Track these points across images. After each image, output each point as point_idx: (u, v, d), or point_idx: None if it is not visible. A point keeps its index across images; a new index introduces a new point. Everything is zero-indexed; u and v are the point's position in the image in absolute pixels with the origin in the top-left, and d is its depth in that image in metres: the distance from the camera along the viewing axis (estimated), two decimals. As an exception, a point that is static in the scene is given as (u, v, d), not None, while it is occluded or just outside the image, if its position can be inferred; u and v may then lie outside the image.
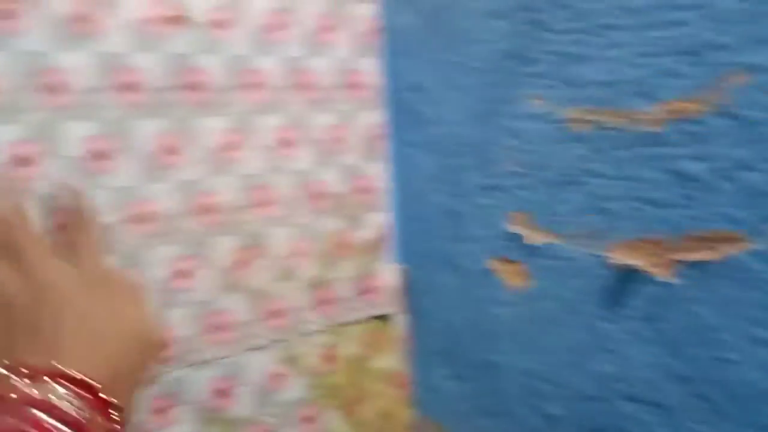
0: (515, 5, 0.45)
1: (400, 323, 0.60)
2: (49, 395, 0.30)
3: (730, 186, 0.35)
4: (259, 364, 0.52)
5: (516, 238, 0.48)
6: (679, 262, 0.38)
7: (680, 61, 0.36)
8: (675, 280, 0.39)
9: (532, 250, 0.47)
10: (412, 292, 0.58)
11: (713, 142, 0.36)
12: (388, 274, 0.58)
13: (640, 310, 0.41)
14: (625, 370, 0.42)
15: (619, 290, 0.42)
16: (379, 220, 0.57)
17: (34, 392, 0.30)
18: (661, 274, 0.39)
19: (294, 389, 0.54)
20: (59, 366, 0.31)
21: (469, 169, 0.50)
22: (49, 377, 0.31)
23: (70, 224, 0.39)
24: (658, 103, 0.38)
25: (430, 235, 0.55)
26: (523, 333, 0.49)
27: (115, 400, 0.32)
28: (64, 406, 0.30)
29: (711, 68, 0.35)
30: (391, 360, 0.59)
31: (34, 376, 0.31)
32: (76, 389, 0.31)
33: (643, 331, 0.41)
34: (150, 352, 0.36)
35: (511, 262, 0.49)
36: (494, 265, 0.50)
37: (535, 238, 0.46)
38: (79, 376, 0.31)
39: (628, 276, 0.41)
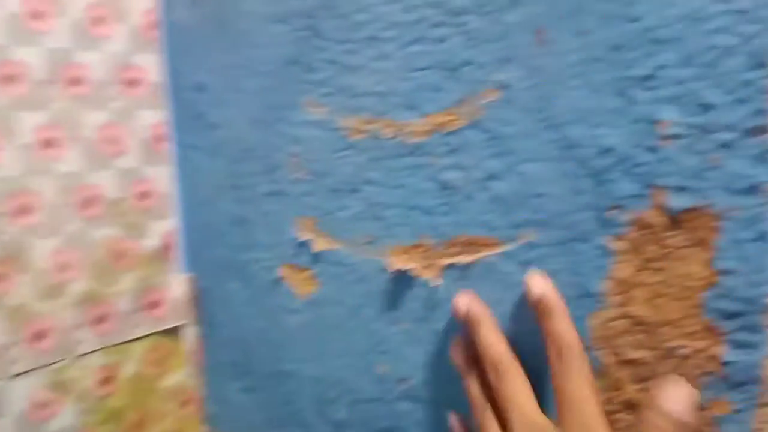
0: (294, 11, 0.44)
1: (190, 336, 0.57)
2: None
3: (484, 195, 0.38)
4: (23, 392, 0.46)
5: (303, 245, 0.48)
6: (446, 266, 0.40)
7: (441, 76, 0.38)
8: (441, 282, 0.41)
9: (319, 257, 0.47)
10: (202, 303, 0.56)
11: (469, 153, 0.38)
12: (175, 285, 0.55)
13: (414, 312, 0.43)
14: (402, 371, 0.44)
15: (395, 294, 0.43)
16: (164, 228, 0.54)
17: None
18: (430, 276, 0.41)
19: (65, 417, 0.49)
20: None
21: (256, 174, 0.49)
22: None
23: None
24: (424, 115, 0.39)
25: (219, 243, 0.53)
26: (310, 340, 0.49)
27: None
28: None
29: (467, 84, 0.37)
30: (180, 376, 0.56)
31: None
32: None
33: (418, 331, 0.43)
34: None
35: (300, 269, 0.48)
36: (284, 272, 0.49)
37: (321, 244, 0.47)
38: None
39: (403, 280, 0.43)
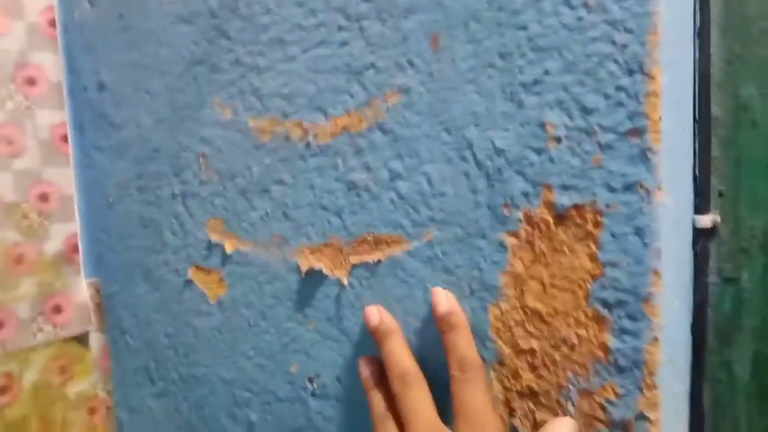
0: (200, 11, 0.44)
1: (96, 343, 0.55)
2: None
3: (389, 194, 0.39)
4: None
5: (213, 246, 0.47)
6: (355, 264, 0.41)
7: (345, 79, 0.39)
8: (350, 281, 0.41)
9: (228, 258, 0.47)
10: (108, 308, 0.54)
11: (374, 154, 0.39)
12: (79, 290, 0.53)
13: (324, 310, 0.43)
14: (313, 369, 0.44)
15: (306, 293, 0.44)
16: (66, 231, 0.52)
17: None
18: (340, 275, 0.42)
19: (-43, 431, 0.46)
20: None
21: (163, 176, 0.48)
22: None
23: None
24: (330, 117, 0.40)
25: (125, 247, 0.52)
26: (222, 343, 0.48)
27: None
28: None
29: (370, 87, 0.38)
30: (86, 384, 0.55)
31: None
32: None
33: (328, 330, 0.43)
34: None
35: (210, 271, 0.48)
36: (193, 275, 0.49)
37: (231, 246, 0.46)
38: None
39: (314, 279, 0.43)
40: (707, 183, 0.44)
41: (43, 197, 0.50)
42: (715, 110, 0.44)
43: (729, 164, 0.44)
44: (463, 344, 0.36)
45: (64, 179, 0.51)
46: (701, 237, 0.45)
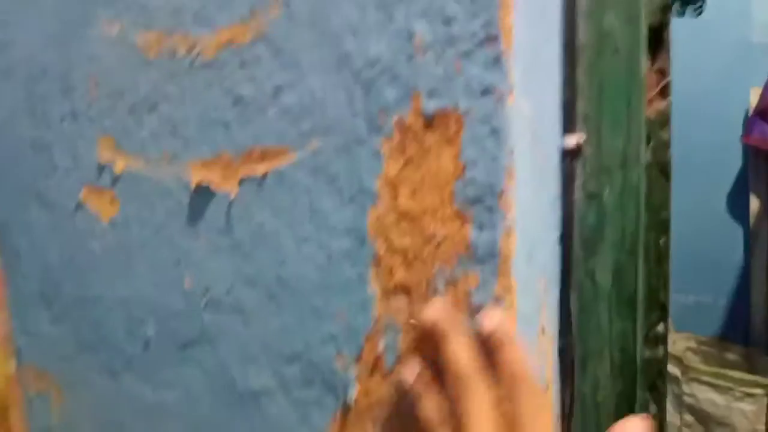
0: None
1: (-10, 269, 0.55)
2: None
3: (275, 106, 0.41)
4: None
5: (104, 166, 0.48)
6: (243, 178, 0.43)
7: (229, -8, 0.40)
8: (239, 194, 0.43)
9: (120, 178, 0.47)
10: (2, 233, 0.54)
11: (259, 67, 0.40)
12: (-30, 215, 0.53)
13: (215, 225, 0.45)
14: (207, 283, 0.46)
15: (197, 208, 0.45)
16: (-47, 155, 0.51)
17: None
18: (229, 189, 0.43)
19: None
20: None
21: (52, 96, 0.48)
22: None
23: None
24: (215, 29, 0.41)
25: (16, 171, 0.52)
26: (116, 262, 0.49)
27: None
28: None
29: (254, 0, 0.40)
30: (-20, 310, 0.54)
31: None
32: None
33: (219, 243, 0.45)
34: None
35: (101, 191, 0.49)
36: (85, 196, 0.49)
37: (121, 164, 0.47)
38: None
39: (204, 194, 0.44)
40: (573, 107, 0.48)
41: (-74, 118, 0.49)
42: (581, 38, 0.47)
43: (593, 89, 0.48)
44: (451, 353, 0.33)
45: (-51, 100, 0.50)
46: (568, 157, 0.49)
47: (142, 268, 0.48)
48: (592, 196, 0.49)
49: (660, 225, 0.50)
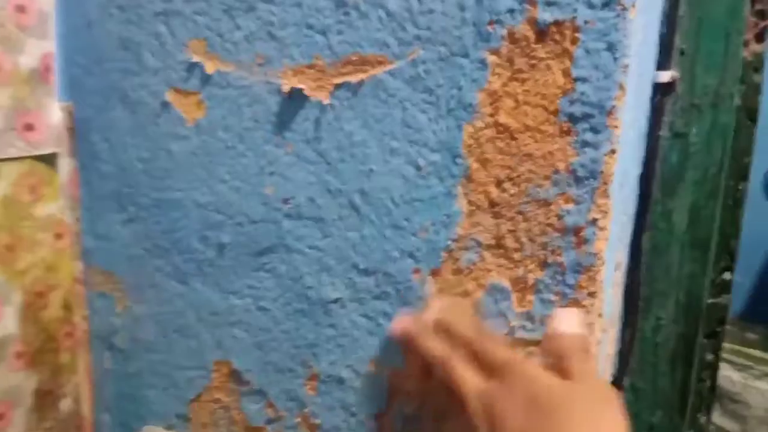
0: None
1: (66, 167, 0.55)
2: None
3: (378, 12, 0.40)
4: None
5: (193, 67, 0.48)
6: (337, 85, 0.43)
7: None
8: (332, 102, 0.43)
9: (208, 80, 0.47)
10: (81, 133, 0.55)
11: (367, -31, 0.40)
12: (52, 111, 0.53)
13: (303, 133, 0.45)
14: (289, 191, 0.46)
15: (286, 114, 0.45)
16: (42, 49, 0.51)
17: None
18: (321, 96, 0.43)
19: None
20: None
21: (146, -6, 0.48)
22: None
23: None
24: (325, -71, 0.41)
25: (103, 70, 0.52)
26: (198, 166, 0.50)
27: None
28: None
29: None
30: (54, 207, 0.55)
31: None
32: None
33: (305, 152, 0.45)
34: None
35: (188, 93, 0.49)
36: (171, 97, 0.49)
37: (212, 66, 0.47)
38: None
39: (295, 101, 0.45)
40: (671, 41, 0.48)
41: (20, 8, 0.49)
42: (686, -28, 0.46)
43: (693, 24, 0.47)
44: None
45: (42, -7, 0.50)
46: (659, 92, 0.48)
47: (224, 173, 0.48)
48: (679, 135, 0.48)
49: (741, 170, 0.50)
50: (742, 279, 1.77)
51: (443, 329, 0.39)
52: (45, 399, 0.58)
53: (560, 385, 0.34)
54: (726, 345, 1.59)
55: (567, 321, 0.37)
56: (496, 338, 0.39)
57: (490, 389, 0.35)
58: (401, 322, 0.42)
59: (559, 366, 0.35)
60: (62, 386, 0.59)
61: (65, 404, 0.60)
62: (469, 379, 0.36)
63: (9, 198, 0.51)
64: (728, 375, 1.56)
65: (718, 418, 1.47)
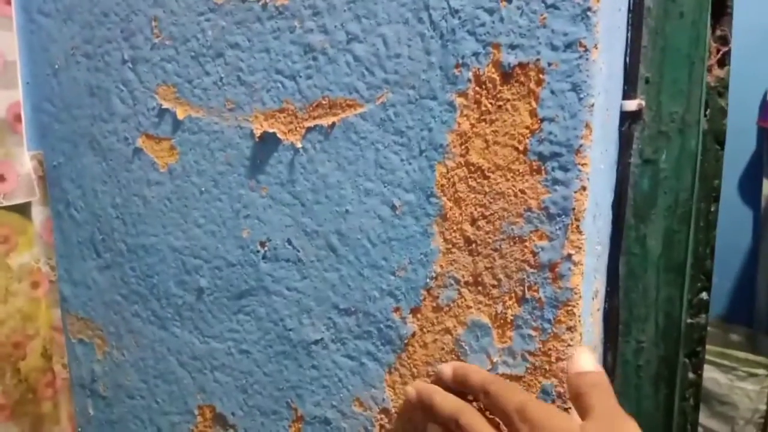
0: None
1: (39, 216, 0.55)
2: None
3: (346, 57, 0.40)
4: None
5: (164, 113, 0.48)
6: (308, 128, 0.43)
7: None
8: (304, 145, 0.43)
9: (180, 125, 0.47)
10: (53, 180, 0.54)
11: (331, 15, 0.40)
12: (23, 161, 0.53)
13: (277, 176, 0.45)
14: (265, 234, 0.46)
15: (259, 159, 0.45)
16: (9, 99, 0.51)
17: None
18: (293, 140, 0.43)
19: None
20: None
21: (113, 41, 0.48)
22: None
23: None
24: (289, -23, 0.41)
25: (72, 116, 0.51)
26: (172, 211, 0.49)
27: None
28: None
29: (331, -53, 0.39)
30: (28, 257, 0.55)
31: None
32: None
33: (280, 195, 0.45)
34: None
35: (160, 139, 0.49)
36: (143, 143, 0.49)
37: (182, 112, 0.47)
38: None
39: (267, 145, 0.45)
40: (636, 70, 0.48)
41: (-17, 60, 0.49)
42: (648, 1, 0.47)
43: (656, 53, 0.48)
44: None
45: (7, 43, 0.50)
46: (627, 120, 0.49)
47: (199, 218, 0.48)
48: (649, 162, 0.49)
49: (712, 192, 0.50)
50: (722, 281, 1.79)
51: (461, 379, 0.39)
52: (26, 451, 0.57)
53: (578, 427, 0.34)
54: (710, 347, 1.61)
55: (584, 360, 0.37)
56: (510, 385, 0.39)
57: None
58: (415, 385, 0.42)
59: (578, 404, 0.35)
60: (44, 436, 0.58)
61: (48, 454, 0.59)
62: (486, 429, 0.36)
63: (-19, 251, 0.51)
64: (714, 377, 1.57)
65: (706, 420, 1.48)
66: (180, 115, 0.47)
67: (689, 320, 0.53)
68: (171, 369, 0.53)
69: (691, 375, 0.55)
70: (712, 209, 0.51)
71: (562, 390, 0.39)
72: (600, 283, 0.48)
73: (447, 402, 0.39)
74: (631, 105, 0.48)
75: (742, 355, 1.59)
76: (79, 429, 0.59)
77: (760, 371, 1.55)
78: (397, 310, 0.43)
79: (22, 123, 0.52)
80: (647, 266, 0.52)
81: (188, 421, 0.53)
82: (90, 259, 0.54)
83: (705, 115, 0.49)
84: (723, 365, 1.59)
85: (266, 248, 0.46)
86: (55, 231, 0.55)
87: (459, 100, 0.38)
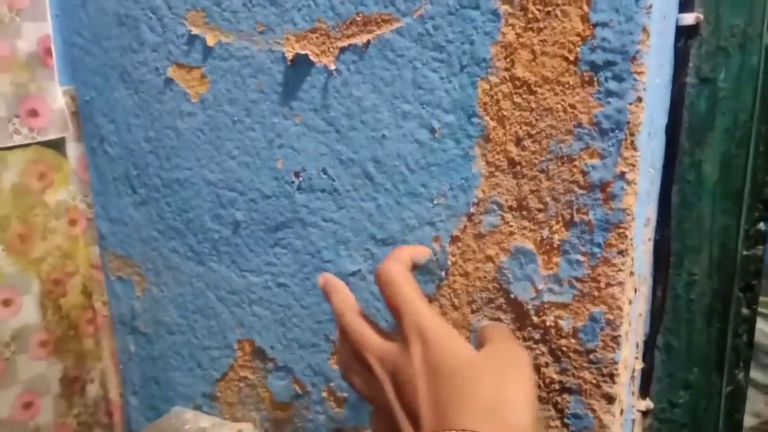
0: None
1: (74, 152, 0.54)
2: None
3: (382, -34, 0.38)
4: None
5: (194, 40, 0.46)
6: (342, 48, 0.41)
7: None
8: (338, 67, 0.41)
9: (210, 52, 0.46)
10: (86, 116, 0.53)
11: None
12: (55, 96, 0.52)
13: (311, 101, 0.43)
14: (300, 163, 0.45)
15: (292, 83, 0.43)
16: (38, 31, 0.50)
17: None
18: (327, 62, 0.42)
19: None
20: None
21: (139, -34, 0.46)
22: None
23: None
24: None
25: (102, 48, 0.50)
26: (205, 143, 0.48)
27: None
28: None
29: None
30: (65, 194, 0.54)
31: None
32: None
33: (314, 121, 0.43)
34: None
35: (191, 67, 0.47)
36: (173, 73, 0.48)
37: (213, 38, 0.45)
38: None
39: (300, 69, 0.43)
40: (694, -20, 0.44)
41: (11, -10, 0.48)
42: None
43: (716, -39, 0.44)
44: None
45: (33, -27, 0.49)
46: (683, 35, 0.46)
47: (233, 149, 0.47)
48: (706, 81, 0.46)
49: (775, 115, 0.47)
50: (771, 229, 1.73)
51: (384, 281, 0.36)
52: (72, 386, 0.58)
53: (468, 352, 0.32)
54: (760, 298, 1.57)
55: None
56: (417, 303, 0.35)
57: (394, 352, 0.33)
58: (323, 276, 0.40)
59: (477, 336, 0.36)
60: (88, 372, 0.59)
61: (92, 390, 0.60)
62: (369, 336, 0.35)
63: (18, 187, 0.51)
64: (761, 327, 1.53)
65: (752, 372, 1.45)
66: (210, 41, 0.45)
67: (745, 252, 0.50)
68: (209, 304, 0.52)
69: (745, 310, 0.52)
70: (775, 133, 0.48)
71: (611, 317, 0.37)
72: (652, 211, 0.46)
73: (338, 300, 0.38)
74: (689, 18, 0.45)
75: (789, 305, 1.54)
76: (121, 366, 0.60)
77: (809, 322, 1.50)
78: (436, 239, 0.42)
79: (53, 57, 0.51)
80: (702, 194, 0.49)
81: (228, 356, 0.53)
82: (126, 195, 0.54)
83: (769, 29, 0.45)
84: (770, 315, 1.54)
85: (301, 178, 0.45)
86: (90, 168, 0.55)
87: (504, 8, 0.36)
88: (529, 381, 0.31)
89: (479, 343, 0.35)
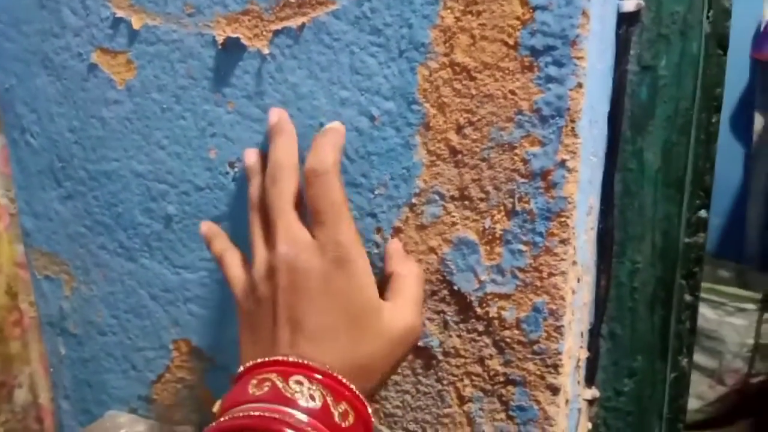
0: None
1: (-8, 142, 0.51)
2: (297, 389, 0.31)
3: (315, -55, 0.36)
4: None
5: (118, 23, 0.43)
6: (275, 32, 0.39)
7: None
8: (272, 51, 0.39)
9: (137, 36, 0.43)
10: (5, 105, 0.50)
11: None
12: (-32, 81, 0.48)
13: (244, 88, 0.41)
14: (234, 153, 0.43)
15: (223, 70, 0.41)
16: (-54, 12, 0.46)
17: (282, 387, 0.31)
18: (260, 45, 0.40)
19: None
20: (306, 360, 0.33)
21: (57, -57, 0.43)
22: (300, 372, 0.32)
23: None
24: None
25: (22, 32, 0.47)
26: (133, 133, 0.46)
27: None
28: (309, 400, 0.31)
29: None
30: (-16, 187, 0.51)
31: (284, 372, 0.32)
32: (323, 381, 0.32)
33: (248, 109, 0.41)
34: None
35: (116, 53, 0.44)
36: (98, 58, 0.45)
37: (138, 21, 0.43)
38: (324, 368, 0.33)
39: (231, 53, 0.41)
40: (634, -35, 0.44)
41: None
42: None
43: (656, -54, 0.43)
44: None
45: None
46: (624, 22, 0.45)
47: (162, 138, 0.44)
48: (647, 68, 0.45)
49: (713, 102, 0.47)
50: (711, 216, 1.79)
51: (319, 171, 0.36)
52: (-4, 392, 0.54)
53: (373, 296, 0.36)
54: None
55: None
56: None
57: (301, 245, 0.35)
58: (205, 224, 0.42)
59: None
60: (15, 377, 0.56)
61: (20, 395, 0.56)
62: (237, 275, 0.38)
63: (-71, 181, 0.47)
64: (703, 312, 1.58)
65: (695, 355, 1.49)
66: (135, 25, 0.43)
67: (687, 239, 0.51)
68: (142, 303, 0.50)
69: (687, 297, 0.53)
70: (713, 120, 0.48)
71: (554, 307, 0.37)
72: (594, 199, 0.45)
73: (216, 245, 0.41)
74: (630, 5, 0.44)
75: (731, 290, 1.59)
76: (51, 369, 0.57)
77: (749, 306, 1.55)
78: (378, 230, 0.40)
79: (-35, 40, 0.47)
80: (644, 182, 0.49)
81: (164, 357, 0.50)
82: (51, 189, 0.50)
83: (707, 17, 0.45)
84: (712, 301, 1.59)
85: (236, 169, 0.43)
86: (11, 160, 0.51)
87: (441, -9, 0.34)
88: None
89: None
